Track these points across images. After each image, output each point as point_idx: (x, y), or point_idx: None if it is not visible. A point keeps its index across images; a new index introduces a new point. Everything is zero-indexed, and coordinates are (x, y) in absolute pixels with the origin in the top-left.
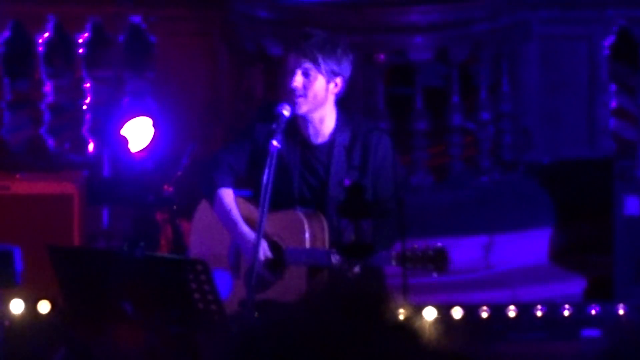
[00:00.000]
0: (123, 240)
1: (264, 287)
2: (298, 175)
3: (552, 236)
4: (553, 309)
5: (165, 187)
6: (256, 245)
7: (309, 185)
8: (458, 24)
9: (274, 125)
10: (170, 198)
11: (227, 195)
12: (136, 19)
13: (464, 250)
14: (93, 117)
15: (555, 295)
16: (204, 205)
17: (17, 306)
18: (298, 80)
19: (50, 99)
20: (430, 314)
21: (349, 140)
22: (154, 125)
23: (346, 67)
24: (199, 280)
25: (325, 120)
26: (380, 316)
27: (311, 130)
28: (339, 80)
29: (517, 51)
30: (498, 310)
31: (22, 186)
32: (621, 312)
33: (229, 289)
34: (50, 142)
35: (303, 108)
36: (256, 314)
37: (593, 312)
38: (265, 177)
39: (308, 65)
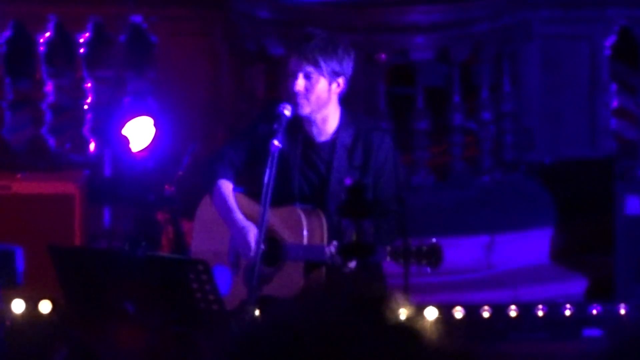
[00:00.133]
0: (124, 240)
1: (262, 283)
2: (298, 172)
3: (553, 236)
4: (554, 308)
5: (167, 186)
6: (257, 245)
7: (310, 182)
8: (459, 23)
9: (275, 125)
10: (171, 198)
11: (226, 186)
12: (137, 18)
13: (465, 250)
14: (94, 116)
15: (556, 295)
16: (206, 202)
17: (18, 306)
18: (300, 83)
19: (51, 98)
20: (431, 313)
21: (352, 139)
22: (155, 125)
23: (348, 66)
24: (200, 280)
25: (328, 119)
26: (381, 315)
27: (314, 129)
28: (341, 80)
29: (518, 51)
30: (499, 310)
31: (23, 186)
32: (622, 311)
33: (228, 285)
34: (52, 142)
35: (306, 110)
36: (256, 311)
37: (594, 311)
38: (266, 177)
39: (310, 68)
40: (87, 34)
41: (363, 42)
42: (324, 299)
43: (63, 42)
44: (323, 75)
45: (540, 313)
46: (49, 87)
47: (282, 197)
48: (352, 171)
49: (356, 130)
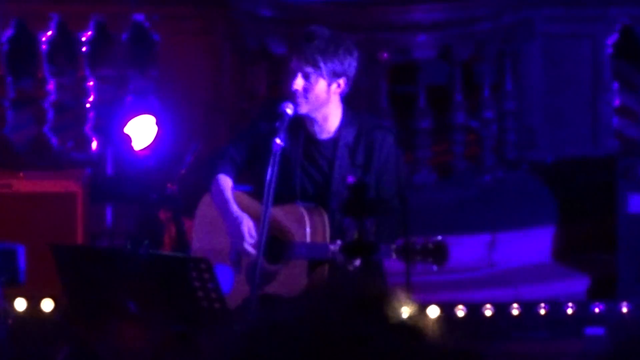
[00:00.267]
0: (126, 239)
1: (264, 281)
2: (300, 169)
3: (555, 234)
4: (556, 307)
5: (169, 185)
6: (259, 245)
7: (312, 180)
8: (461, 22)
9: (277, 124)
10: (173, 196)
11: (224, 180)
12: (139, 17)
13: (467, 249)
14: (96, 115)
15: (558, 293)
16: (205, 200)
17: (20, 304)
18: (298, 83)
19: (53, 97)
20: (433, 312)
21: (354, 137)
22: (157, 124)
23: (350, 66)
24: (203, 278)
25: (329, 118)
26: (383, 314)
27: (316, 127)
28: (342, 80)
29: (521, 49)
30: (501, 309)
31: (26, 184)
32: (625, 310)
33: (230, 283)
34: (54, 141)
35: (304, 109)
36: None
37: (596, 310)
38: (268, 176)
39: (309, 69)
40: (89, 33)
41: (365, 40)
42: (326, 298)
43: (65, 41)
44: (322, 76)
45: (542, 311)
46: (51, 85)
47: (283, 195)
48: (355, 169)
49: (358, 129)
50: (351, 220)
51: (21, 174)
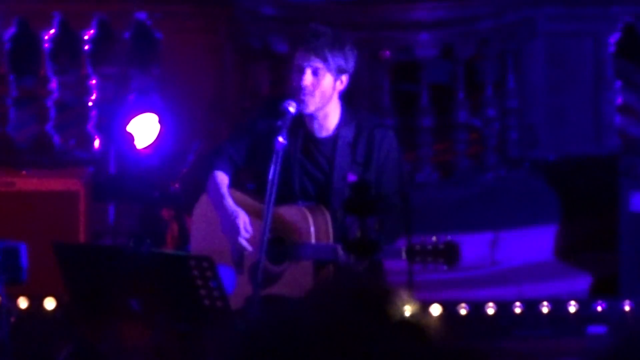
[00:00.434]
0: (129, 237)
1: (269, 282)
2: (299, 168)
3: (557, 233)
4: (559, 305)
5: (171, 183)
6: (262, 244)
7: (312, 178)
8: (463, 20)
9: (279, 122)
10: (176, 194)
11: (221, 177)
12: (142, 15)
13: (470, 247)
14: (99, 113)
15: (560, 291)
16: (203, 201)
17: (22, 303)
18: (308, 79)
19: (55, 95)
20: (435, 310)
21: (354, 135)
22: (159, 122)
23: (352, 64)
24: (205, 276)
25: (329, 115)
26: (386, 313)
27: (315, 125)
28: (344, 77)
29: (523, 48)
30: (504, 307)
31: (28, 183)
32: (627, 308)
33: (232, 285)
34: (56, 139)
35: (310, 107)
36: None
37: (599, 308)
38: (271, 174)
39: (318, 64)
40: (91, 31)
41: (367, 39)
42: (329, 297)
43: (68, 39)
44: (330, 71)
45: (544, 310)
46: (54, 84)
47: (282, 194)
48: (355, 167)
49: (357, 126)
50: (354, 218)
51: (24, 173)
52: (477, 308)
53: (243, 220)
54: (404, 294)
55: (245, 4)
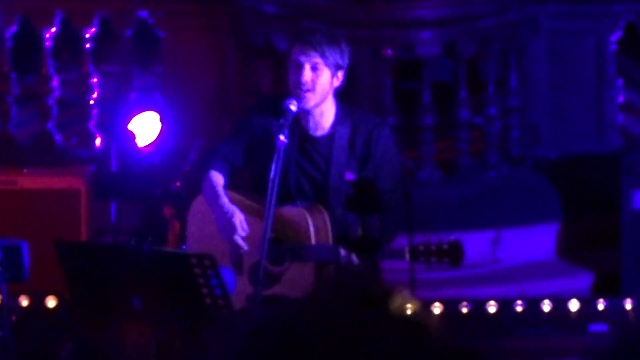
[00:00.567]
0: (130, 235)
1: (270, 283)
2: (295, 167)
3: (559, 231)
4: (560, 303)
5: (173, 181)
6: (263, 243)
7: (309, 177)
8: (466, 19)
9: (281, 121)
10: (177, 193)
11: (216, 177)
12: (143, 13)
13: (471, 245)
14: (100, 111)
15: (562, 290)
16: (198, 202)
17: (24, 301)
18: (307, 74)
19: (57, 93)
20: (437, 308)
21: (350, 132)
22: (161, 120)
23: (347, 60)
24: (206, 275)
25: (325, 113)
26: (387, 311)
27: (311, 123)
28: (340, 74)
29: (525, 46)
30: (505, 305)
31: (30, 181)
32: (628, 306)
33: (232, 285)
34: (58, 137)
35: (311, 103)
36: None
37: (600, 306)
38: (272, 173)
39: (317, 59)
40: (93, 29)
41: (369, 37)
42: (330, 296)
43: (69, 37)
44: (328, 66)
45: (546, 308)
46: (55, 82)
47: (279, 193)
48: (352, 165)
49: (353, 124)
50: (355, 217)
51: (25, 171)
52: (478, 306)
53: (239, 218)
54: (404, 293)
55: (247, 2)
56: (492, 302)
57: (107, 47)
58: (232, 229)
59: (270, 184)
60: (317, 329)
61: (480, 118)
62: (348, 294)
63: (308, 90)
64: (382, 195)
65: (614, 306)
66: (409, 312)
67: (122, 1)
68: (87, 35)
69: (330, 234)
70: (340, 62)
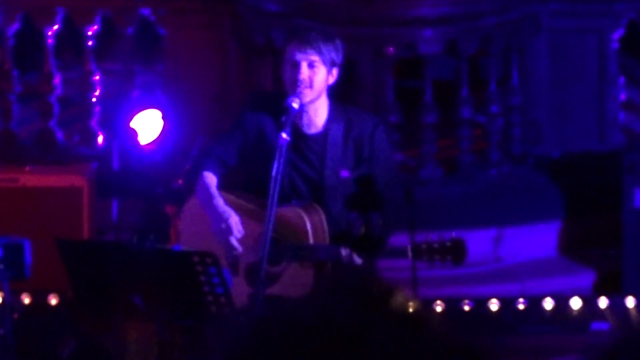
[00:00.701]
0: (132, 233)
1: (268, 283)
2: (289, 166)
3: (561, 229)
4: (562, 302)
5: (175, 179)
6: (264, 243)
7: (303, 176)
8: (468, 17)
9: (283, 118)
10: (179, 190)
11: (209, 178)
12: (146, 11)
13: (473, 243)
14: (102, 109)
15: (564, 288)
16: (192, 202)
17: (26, 299)
18: (305, 72)
19: (59, 91)
20: (439, 307)
21: (344, 130)
22: (163, 118)
23: (341, 57)
24: (208, 272)
25: (318, 110)
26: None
27: (304, 121)
28: (335, 71)
29: (527, 44)
30: (507, 304)
31: (32, 179)
32: (630, 304)
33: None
34: (60, 135)
35: (307, 99)
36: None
37: (602, 305)
38: (274, 171)
39: (314, 56)
40: (95, 27)
41: (371, 35)
42: (331, 295)
43: (71, 35)
44: (324, 63)
45: (548, 306)
46: (57, 80)
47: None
48: (347, 163)
49: (346, 121)
50: (357, 215)
51: (27, 169)
52: (480, 304)
53: (235, 220)
54: (405, 291)
55: (248, 1)
56: (494, 300)
57: (109, 45)
58: (228, 230)
59: (272, 182)
60: (318, 328)
61: (482, 116)
62: (348, 292)
63: (306, 87)
64: (378, 192)
65: (616, 304)
66: (409, 310)
67: None
68: (89, 33)
69: (327, 233)
70: (335, 58)
